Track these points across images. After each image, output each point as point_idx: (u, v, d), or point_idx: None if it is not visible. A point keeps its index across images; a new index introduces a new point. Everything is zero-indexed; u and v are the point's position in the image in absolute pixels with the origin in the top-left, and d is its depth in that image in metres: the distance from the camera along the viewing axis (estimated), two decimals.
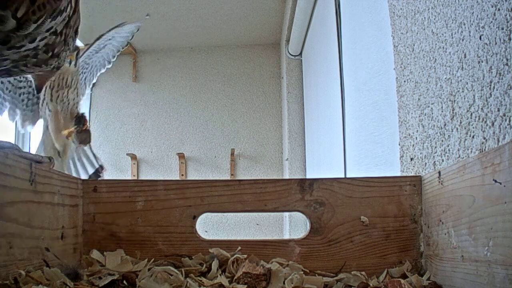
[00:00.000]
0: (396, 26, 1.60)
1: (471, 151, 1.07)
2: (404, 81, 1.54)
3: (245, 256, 1.16)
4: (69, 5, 0.82)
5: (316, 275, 1.15)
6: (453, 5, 1.15)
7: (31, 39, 0.83)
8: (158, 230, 1.24)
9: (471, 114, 1.07)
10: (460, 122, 1.13)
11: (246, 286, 1.03)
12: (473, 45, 1.05)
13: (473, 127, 1.06)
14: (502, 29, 0.91)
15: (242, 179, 1.26)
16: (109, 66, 2.99)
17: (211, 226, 5.41)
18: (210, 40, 5.68)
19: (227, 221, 5.53)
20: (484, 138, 1.01)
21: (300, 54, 4.99)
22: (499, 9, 0.92)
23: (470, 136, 1.08)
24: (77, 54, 2.42)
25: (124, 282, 1.01)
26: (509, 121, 0.91)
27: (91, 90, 5.96)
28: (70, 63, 2.37)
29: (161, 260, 1.20)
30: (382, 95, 1.86)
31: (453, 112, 1.17)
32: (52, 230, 1.11)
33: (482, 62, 1.01)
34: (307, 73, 4.77)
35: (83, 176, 2.38)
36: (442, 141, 1.24)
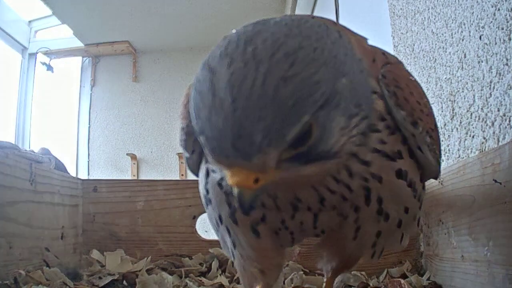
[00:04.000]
0: (396, 26, 1.60)
1: (471, 151, 1.07)
2: None
3: None
4: None
5: (316, 275, 1.15)
6: (453, 5, 1.15)
7: None
8: (158, 230, 1.24)
9: (471, 114, 1.07)
10: (460, 122, 1.13)
11: None
12: (473, 45, 1.05)
13: (473, 127, 1.06)
14: (502, 29, 0.91)
15: None
16: None
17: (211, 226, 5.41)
18: (210, 40, 5.67)
19: None
20: (484, 138, 1.01)
21: None
22: (499, 9, 0.92)
23: (470, 136, 1.08)
24: None
25: (124, 282, 1.01)
26: (509, 121, 0.90)
27: (91, 90, 5.96)
28: None
29: (161, 260, 1.20)
30: None
31: (453, 112, 1.17)
32: (52, 230, 1.11)
33: (482, 62, 1.01)
34: None
35: None
36: (442, 141, 1.24)
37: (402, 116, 0.67)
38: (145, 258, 1.18)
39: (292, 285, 1.04)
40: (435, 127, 0.74)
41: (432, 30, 1.28)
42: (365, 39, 0.76)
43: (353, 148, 0.61)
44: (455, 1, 1.13)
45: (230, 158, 0.50)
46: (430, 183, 1.14)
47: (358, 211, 0.68)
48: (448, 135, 1.20)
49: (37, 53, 5.63)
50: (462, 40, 1.10)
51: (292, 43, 0.52)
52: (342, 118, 0.56)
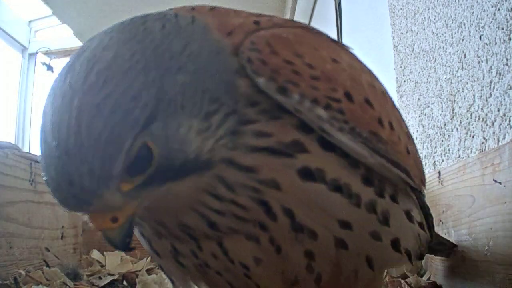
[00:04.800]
0: (396, 26, 1.60)
1: (471, 151, 1.07)
2: (404, 81, 1.54)
3: None
4: None
5: None
6: (453, 5, 1.15)
7: None
8: None
9: (471, 114, 1.07)
10: (460, 122, 1.13)
11: None
12: (473, 45, 1.05)
13: (473, 127, 1.06)
14: (502, 29, 0.91)
15: None
16: None
17: None
18: None
19: None
20: (484, 138, 1.01)
21: None
22: (499, 9, 0.92)
23: (470, 136, 1.08)
24: None
25: (124, 282, 1.02)
26: (509, 121, 0.91)
27: None
28: None
29: None
30: None
31: (453, 112, 1.17)
32: (52, 230, 1.11)
33: (482, 62, 1.01)
34: None
35: None
36: (442, 141, 1.24)
37: (263, 84, 0.49)
38: (145, 258, 1.18)
39: None
40: (346, 97, 0.52)
41: (432, 30, 1.28)
42: (234, 12, 0.63)
43: (227, 153, 0.48)
44: (455, 1, 1.13)
45: (76, 207, 0.46)
46: (430, 182, 1.14)
47: (267, 230, 0.52)
48: (448, 135, 1.20)
49: (37, 53, 5.63)
50: (462, 40, 1.10)
51: (107, 56, 0.45)
52: (193, 120, 0.46)
